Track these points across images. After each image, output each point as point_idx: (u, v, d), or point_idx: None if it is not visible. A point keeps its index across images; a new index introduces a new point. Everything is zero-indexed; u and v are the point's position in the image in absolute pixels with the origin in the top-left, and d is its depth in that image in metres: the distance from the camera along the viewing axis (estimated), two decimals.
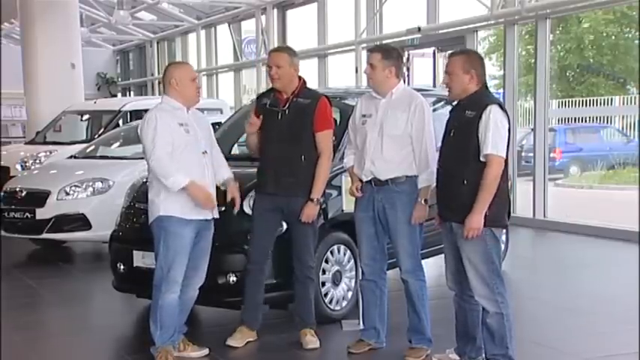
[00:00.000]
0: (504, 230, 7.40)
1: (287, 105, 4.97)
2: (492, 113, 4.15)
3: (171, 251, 4.64)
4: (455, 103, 4.46)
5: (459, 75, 4.26)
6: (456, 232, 4.28)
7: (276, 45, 16.79)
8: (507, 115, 4.26)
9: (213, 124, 5.61)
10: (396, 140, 4.71)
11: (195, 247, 4.74)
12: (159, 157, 4.58)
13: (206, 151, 4.76)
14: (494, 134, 4.12)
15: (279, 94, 5.02)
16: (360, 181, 4.84)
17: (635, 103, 16.18)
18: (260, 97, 5.26)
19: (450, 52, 4.48)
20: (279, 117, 4.96)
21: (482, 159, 4.15)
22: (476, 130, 4.16)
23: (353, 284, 5.66)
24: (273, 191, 4.94)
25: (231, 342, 5.09)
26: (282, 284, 5.20)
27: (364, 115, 4.86)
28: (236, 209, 4.93)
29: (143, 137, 4.66)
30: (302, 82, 5.05)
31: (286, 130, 4.94)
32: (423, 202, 4.67)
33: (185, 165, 4.64)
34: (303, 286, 5.07)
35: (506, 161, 4.22)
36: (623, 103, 16.79)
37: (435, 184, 4.55)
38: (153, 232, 4.73)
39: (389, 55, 4.79)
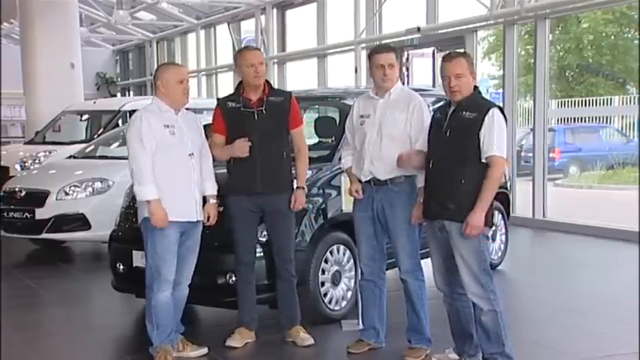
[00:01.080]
0: (504, 230, 7.54)
1: (263, 105, 4.97)
2: (495, 116, 4.22)
3: (158, 250, 4.68)
4: (441, 102, 4.47)
5: (467, 77, 4.29)
6: (450, 230, 4.30)
7: (275, 45, 16.82)
8: (505, 118, 4.33)
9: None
10: (395, 140, 4.71)
11: (181, 245, 4.76)
12: (140, 163, 4.58)
13: (193, 154, 4.75)
14: (498, 136, 4.19)
15: (246, 96, 5.00)
16: (359, 181, 4.84)
17: (634, 103, 16.16)
18: (224, 100, 5.15)
19: (445, 54, 4.48)
20: (256, 117, 4.95)
21: (483, 160, 4.19)
22: (477, 132, 4.19)
23: (352, 284, 5.66)
24: (261, 191, 4.93)
25: (230, 343, 5.09)
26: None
27: (362, 116, 4.86)
28: (210, 223, 4.90)
29: (127, 139, 4.69)
30: (265, 81, 5.06)
31: (267, 129, 4.95)
32: (422, 201, 4.66)
33: (170, 166, 4.64)
34: (288, 284, 5.07)
35: None
36: (623, 103, 16.78)
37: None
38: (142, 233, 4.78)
39: (399, 54, 4.84)
